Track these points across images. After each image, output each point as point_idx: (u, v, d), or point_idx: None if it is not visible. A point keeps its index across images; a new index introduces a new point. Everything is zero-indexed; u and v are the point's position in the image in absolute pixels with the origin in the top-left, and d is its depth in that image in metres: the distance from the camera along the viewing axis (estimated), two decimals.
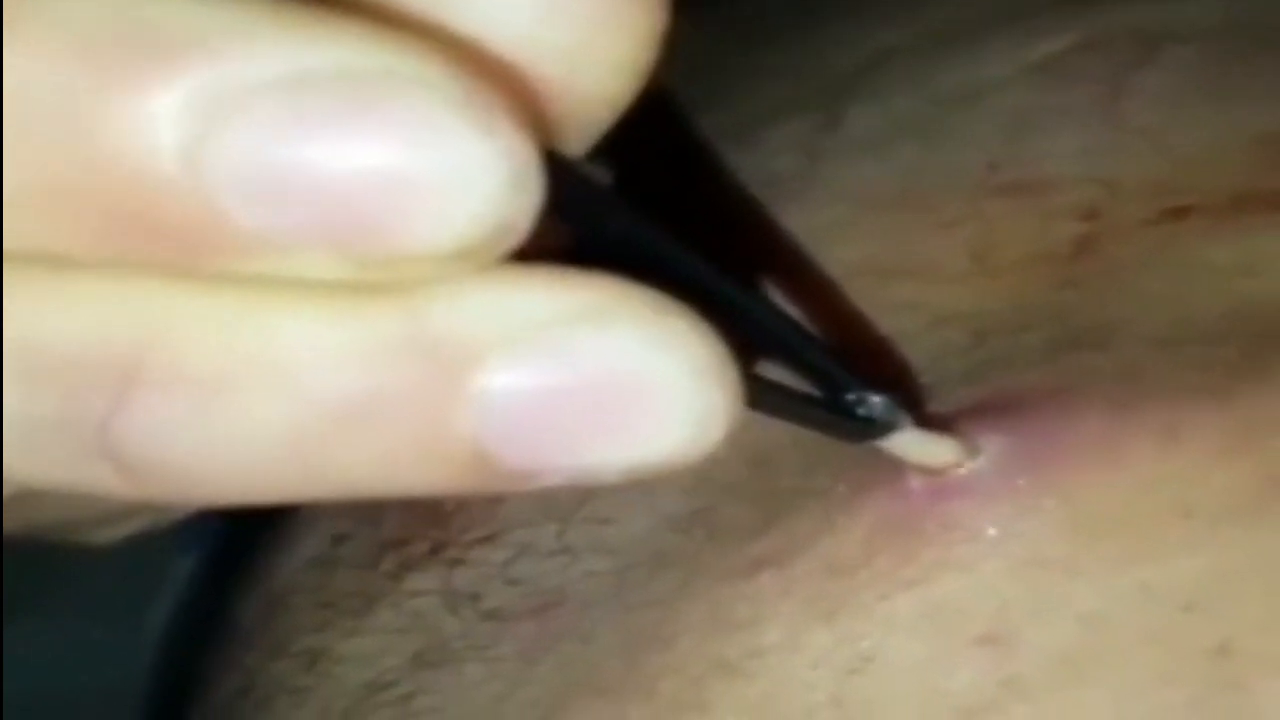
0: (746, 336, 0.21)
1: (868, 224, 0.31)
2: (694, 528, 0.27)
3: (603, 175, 0.21)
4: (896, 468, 0.25)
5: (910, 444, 0.24)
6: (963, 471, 0.25)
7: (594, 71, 0.18)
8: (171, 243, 0.17)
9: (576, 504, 0.28)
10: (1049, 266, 0.29)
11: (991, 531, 0.25)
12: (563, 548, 0.28)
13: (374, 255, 0.17)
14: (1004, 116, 0.32)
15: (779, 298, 0.29)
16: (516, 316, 0.18)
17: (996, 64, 0.33)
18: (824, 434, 0.24)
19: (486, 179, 0.16)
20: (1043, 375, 0.27)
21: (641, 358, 0.18)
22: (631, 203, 0.20)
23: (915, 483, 0.25)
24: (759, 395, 0.21)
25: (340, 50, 0.16)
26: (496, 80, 0.17)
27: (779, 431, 0.26)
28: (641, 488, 0.28)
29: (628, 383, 0.18)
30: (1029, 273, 0.29)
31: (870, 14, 0.36)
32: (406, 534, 0.30)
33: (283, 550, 0.32)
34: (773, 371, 0.23)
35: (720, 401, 0.18)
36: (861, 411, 0.23)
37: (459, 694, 0.28)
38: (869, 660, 0.25)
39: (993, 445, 0.25)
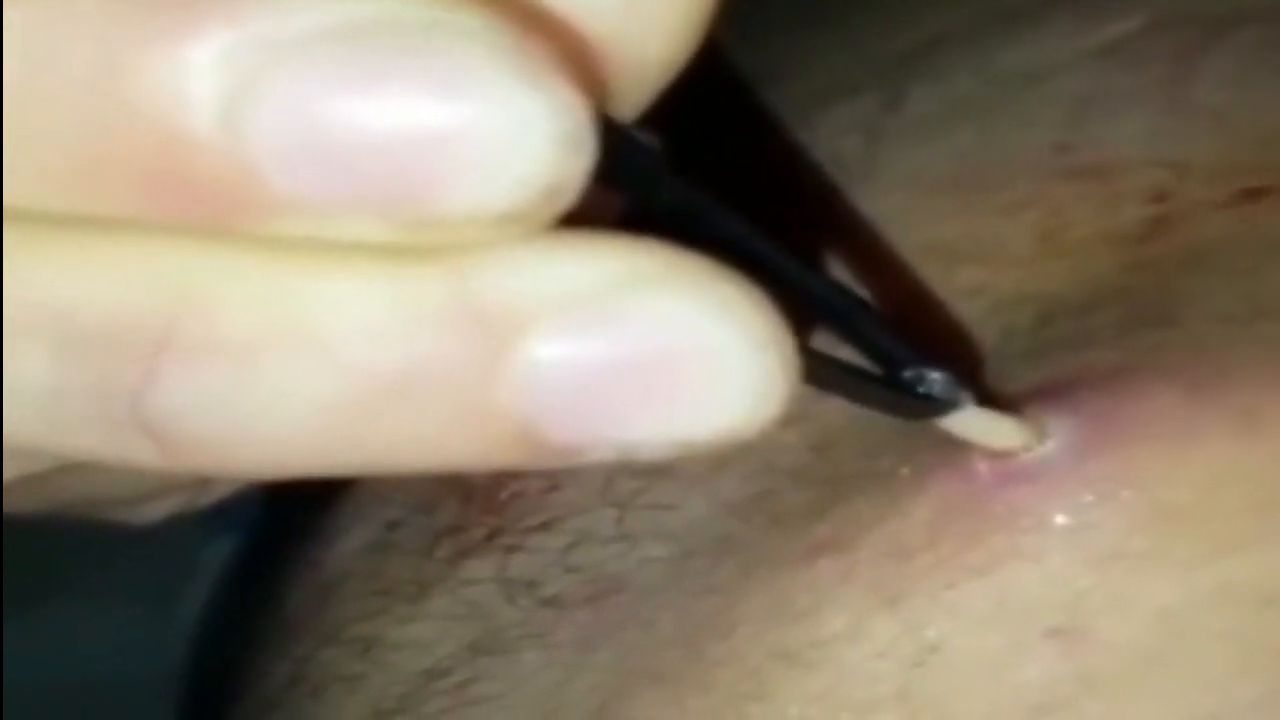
0: (802, 310, 0.20)
1: (933, 207, 0.30)
2: (754, 513, 0.27)
3: (656, 142, 0.20)
4: (962, 451, 0.25)
5: (973, 423, 0.23)
6: (1031, 455, 0.25)
7: (647, 31, 0.17)
8: (206, 205, 0.16)
9: (636, 490, 0.28)
10: (1118, 249, 0.28)
11: (1060, 519, 0.24)
12: (621, 534, 0.28)
13: (417, 218, 0.16)
14: (1069, 98, 0.31)
15: (843, 277, 0.28)
16: (566, 283, 0.17)
17: (1059, 46, 0.32)
18: (882, 411, 0.23)
19: (536, 137, 0.16)
20: (1110, 354, 0.26)
21: (696, 327, 0.17)
22: (685, 170, 0.19)
23: (981, 466, 0.25)
24: (816, 370, 0.20)
25: (385, 2, 0.16)
26: (548, 36, 0.16)
27: (841, 414, 0.26)
28: (702, 473, 0.27)
29: (682, 353, 0.17)
30: (1097, 255, 0.28)
31: None
32: (462, 521, 0.29)
33: (332, 537, 0.32)
34: (830, 347, 0.22)
35: (778, 375, 0.17)
36: (920, 389, 0.23)
37: (517, 681, 0.27)
38: (935, 651, 0.24)
39: (1061, 427, 0.25)
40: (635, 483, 0.28)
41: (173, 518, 0.29)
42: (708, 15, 0.18)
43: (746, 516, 0.27)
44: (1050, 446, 0.25)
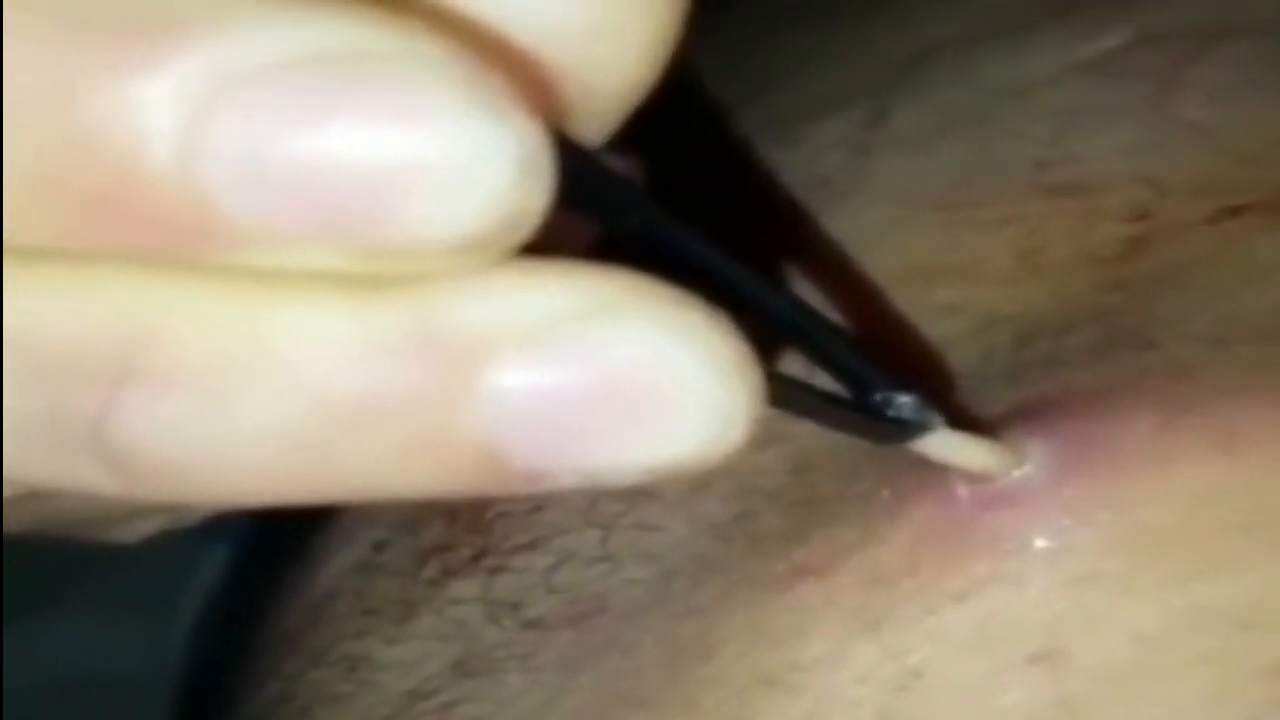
0: (772, 333, 0.20)
1: (915, 225, 0.30)
2: (735, 535, 0.27)
3: (627, 167, 0.20)
4: (941, 474, 0.25)
5: (947, 447, 0.23)
6: (1011, 478, 0.24)
7: (609, 56, 0.17)
8: (165, 234, 0.16)
9: (619, 511, 0.28)
10: (1097, 268, 0.28)
11: (1041, 543, 0.24)
12: (605, 555, 0.28)
13: (375, 247, 0.16)
14: (1054, 114, 0.31)
15: (818, 299, 0.28)
16: (529, 311, 0.17)
17: (1047, 60, 0.32)
18: (852, 435, 0.23)
19: (493, 166, 0.16)
20: (1089, 376, 0.26)
21: (660, 354, 0.17)
22: (653, 195, 0.19)
23: (961, 490, 0.25)
24: (783, 394, 0.20)
25: (339, 32, 0.16)
26: (505, 64, 0.16)
27: (820, 436, 0.26)
28: (684, 494, 0.27)
29: (645, 380, 0.17)
30: (1076, 274, 0.28)
31: (919, 6, 0.35)
32: (449, 540, 0.29)
33: (322, 556, 0.32)
34: (800, 370, 0.22)
35: (742, 400, 0.17)
36: (890, 412, 0.23)
37: (500, 704, 0.27)
38: (918, 676, 0.24)
39: (1039, 450, 0.25)
40: (619, 504, 0.28)
41: (169, 531, 0.29)
42: (673, 40, 0.18)
43: (727, 538, 0.27)
44: (1029, 469, 0.25)
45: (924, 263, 0.29)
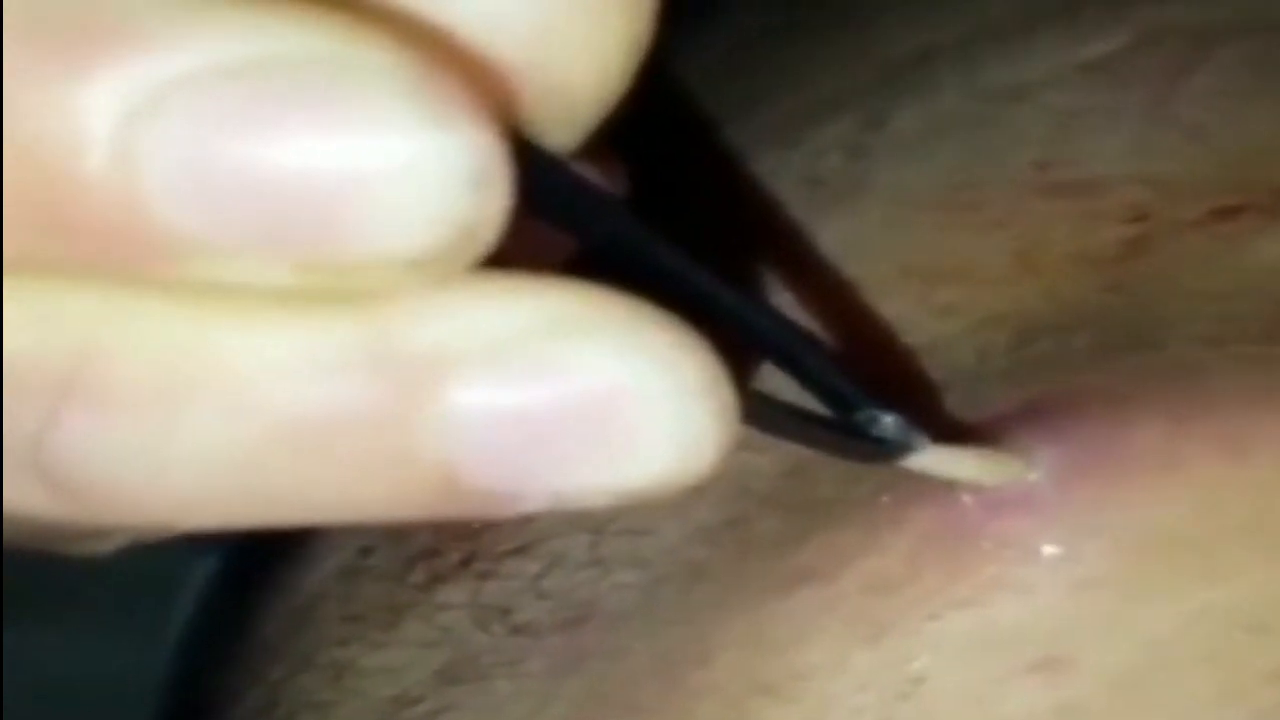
0: (750, 349, 0.19)
1: (912, 226, 0.30)
2: (727, 540, 0.26)
3: (604, 176, 0.19)
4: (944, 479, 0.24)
5: (940, 464, 0.23)
6: (1015, 483, 0.24)
7: (576, 59, 0.17)
8: (104, 247, 0.15)
9: (611, 515, 0.27)
10: (1095, 268, 0.28)
11: (1049, 550, 0.24)
12: (595, 560, 0.27)
13: (324, 262, 0.16)
14: (1054, 115, 0.31)
15: (812, 303, 0.27)
16: (488, 327, 0.16)
17: (1047, 62, 0.32)
18: (834, 455, 0.22)
19: (443, 178, 0.15)
20: (1093, 378, 0.26)
21: (625, 374, 0.17)
22: (639, 203, 0.18)
23: (965, 495, 0.24)
24: (761, 413, 0.20)
25: (283, 37, 0.15)
26: (462, 68, 0.16)
27: None
28: (676, 498, 0.27)
29: (610, 401, 0.17)
30: (1074, 274, 0.28)
31: (919, 8, 0.35)
32: (437, 545, 0.29)
33: (308, 561, 0.31)
34: (780, 387, 0.21)
35: (712, 423, 0.17)
36: (874, 431, 0.22)
37: (488, 711, 0.27)
38: (919, 683, 0.24)
39: (1047, 455, 0.24)
40: (610, 508, 0.27)
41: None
42: (646, 42, 0.17)
43: (719, 543, 0.26)
44: (1035, 475, 0.24)
45: (921, 264, 0.29)
